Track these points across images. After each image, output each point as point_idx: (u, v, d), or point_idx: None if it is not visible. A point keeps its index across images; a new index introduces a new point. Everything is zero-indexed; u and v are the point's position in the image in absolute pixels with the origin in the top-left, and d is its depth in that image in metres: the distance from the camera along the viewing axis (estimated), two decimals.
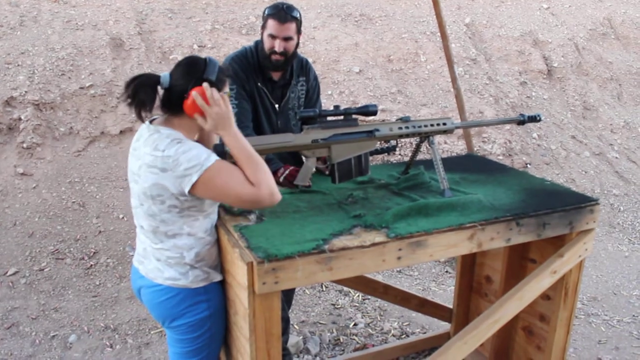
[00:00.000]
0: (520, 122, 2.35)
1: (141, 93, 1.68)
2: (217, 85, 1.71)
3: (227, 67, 1.83)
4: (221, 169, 1.67)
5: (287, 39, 2.42)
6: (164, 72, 1.73)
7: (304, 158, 2.13)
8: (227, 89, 1.79)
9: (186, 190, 1.67)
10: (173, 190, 1.68)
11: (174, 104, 1.72)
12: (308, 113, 2.06)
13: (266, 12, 2.44)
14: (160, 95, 1.73)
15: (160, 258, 1.81)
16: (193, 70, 1.70)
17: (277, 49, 2.41)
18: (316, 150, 2.08)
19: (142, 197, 1.76)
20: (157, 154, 1.67)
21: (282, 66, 2.51)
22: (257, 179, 1.68)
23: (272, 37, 2.41)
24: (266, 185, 1.69)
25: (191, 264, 1.79)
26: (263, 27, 2.47)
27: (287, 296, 3.00)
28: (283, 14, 2.40)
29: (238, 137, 1.73)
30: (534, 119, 2.34)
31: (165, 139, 1.68)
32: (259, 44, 2.53)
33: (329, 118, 2.11)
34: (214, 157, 1.68)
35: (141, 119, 1.73)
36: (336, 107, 2.09)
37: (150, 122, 1.78)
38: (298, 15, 2.45)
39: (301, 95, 2.68)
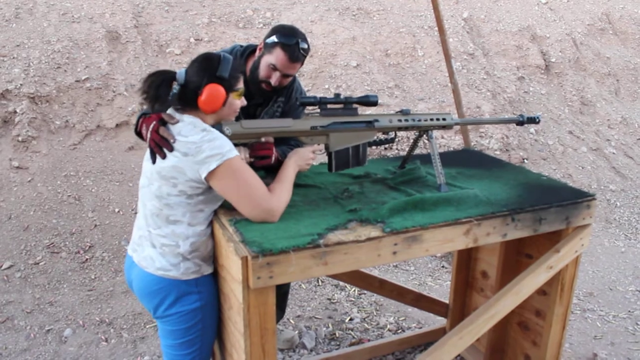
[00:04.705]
0: (520, 122, 2.33)
1: (155, 88, 1.74)
2: (230, 82, 1.78)
3: (240, 64, 1.87)
4: (242, 166, 1.75)
5: (287, 76, 2.20)
6: (181, 69, 1.81)
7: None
8: (240, 84, 1.85)
9: (203, 177, 1.71)
10: (190, 175, 1.72)
11: (189, 99, 1.78)
12: (309, 99, 2.05)
13: (277, 38, 2.12)
14: (177, 91, 1.79)
15: (156, 244, 1.82)
16: (206, 67, 1.77)
17: (273, 82, 2.18)
18: (314, 137, 2.06)
19: (154, 177, 1.78)
20: (180, 139, 1.72)
21: (267, 95, 2.29)
22: (280, 192, 1.84)
23: (273, 68, 2.16)
24: (285, 201, 1.84)
25: (184, 255, 1.80)
26: (266, 48, 2.16)
27: (282, 296, 2.96)
28: (297, 51, 2.12)
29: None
30: (533, 120, 2.32)
31: (188, 126, 1.75)
32: (247, 50, 2.31)
33: (329, 106, 2.09)
34: (236, 152, 1.74)
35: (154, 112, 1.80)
36: (337, 95, 2.07)
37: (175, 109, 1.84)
38: (306, 47, 2.17)
39: (276, 116, 2.41)
